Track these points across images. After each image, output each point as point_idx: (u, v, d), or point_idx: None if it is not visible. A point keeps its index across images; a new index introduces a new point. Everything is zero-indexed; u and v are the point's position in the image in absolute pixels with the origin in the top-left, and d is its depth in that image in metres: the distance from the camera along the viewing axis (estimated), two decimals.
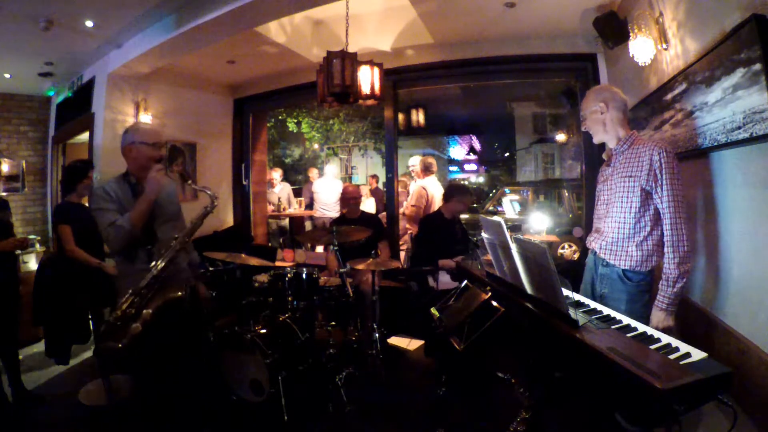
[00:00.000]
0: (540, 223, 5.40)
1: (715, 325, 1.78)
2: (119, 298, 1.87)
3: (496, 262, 1.86)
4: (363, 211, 3.80)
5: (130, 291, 1.81)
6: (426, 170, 4.65)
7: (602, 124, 1.86)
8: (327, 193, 6.17)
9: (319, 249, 5.64)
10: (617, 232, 1.79)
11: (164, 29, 3.46)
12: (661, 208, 1.68)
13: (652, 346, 1.19)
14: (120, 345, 1.73)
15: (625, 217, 1.77)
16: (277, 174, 6.84)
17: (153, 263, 1.87)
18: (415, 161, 4.99)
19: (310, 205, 6.95)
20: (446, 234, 3.48)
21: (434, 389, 2.51)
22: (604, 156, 1.99)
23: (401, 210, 4.76)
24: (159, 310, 1.84)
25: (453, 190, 3.57)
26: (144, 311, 1.80)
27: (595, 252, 1.92)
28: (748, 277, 1.63)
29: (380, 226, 3.88)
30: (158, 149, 2.04)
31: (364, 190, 7.36)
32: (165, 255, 1.87)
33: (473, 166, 17.65)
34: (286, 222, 6.89)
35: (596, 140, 1.94)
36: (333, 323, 2.78)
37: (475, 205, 9.42)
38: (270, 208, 6.22)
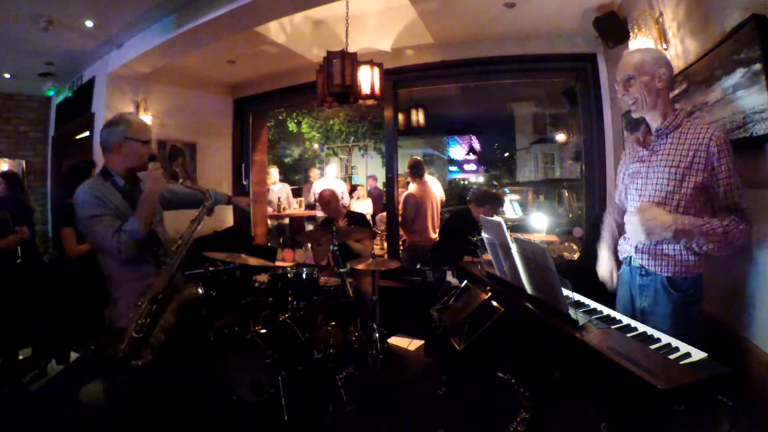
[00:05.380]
0: (540, 223, 5.40)
1: (716, 326, 1.78)
2: (117, 306, 1.77)
3: (496, 262, 1.86)
4: (348, 210, 3.77)
5: (148, 298, 1.69)
6: (415, 175, 4.37)
7: (656, 95, 1.51)
8: None
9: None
10: None
11: (164, 29, 3.46)
12: (723, 203, 1.44)
13: (652, 346, 1.19)
14: (141, 363, 1.64)
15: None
16: (275, 171, 6.70)
17: (164, 265, 1.77)
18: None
19: (310, 206, 6.94)
20: (471, 233, 3.52)
21: (434, 389, 2.51)
22: (639, 135, 1.68)
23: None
24: (179, 313, 1.75)
25: (489, 199, 3.62)
26: (163, 319, 1.71)
27: (629, 261, 1.63)
28: (747, 277, 1.63)
29: (366, 224, 3.87)
30: (149, 147, 1.87)
31: (362, 191, 7.36)
32: (176, 256, 1.77)
33: (473, 166, 17.61)
34: (286, 221, 6.86)
35: (638, 114, 1.58)
36: (333, 323, 2.77)
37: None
38: (269, 209, 6.21)
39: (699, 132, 1.45)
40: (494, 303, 1.80)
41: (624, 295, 1.68)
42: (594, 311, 1.55)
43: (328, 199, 3.58)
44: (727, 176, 1.42)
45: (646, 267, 1.55)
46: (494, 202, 3.60)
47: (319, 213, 6.24)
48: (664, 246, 1.50)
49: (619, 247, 1.74)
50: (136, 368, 1.65)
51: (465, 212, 3.70)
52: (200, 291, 1.83)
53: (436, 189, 4.56)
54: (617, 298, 1.74)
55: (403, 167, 4.94)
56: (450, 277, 3.57)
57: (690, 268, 1.48)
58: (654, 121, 1.57)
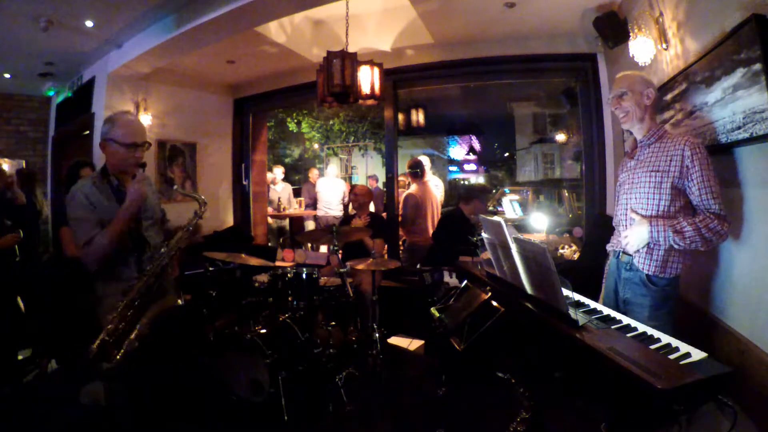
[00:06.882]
0: (540, 223, 5.40)
1: (715, 325, 1.78)
2: (102, 304, 1.73)
3: (496, 262, 1.86)
4: (371, 211, 3.81)
5: (123, 303, 1.65)
6: (415, 175, 4.32)
7: (644, 110, 1.73)
8: (330, 192, 6.25)
9: (323, 249, 5.60)
10: None
11: (164, 29, 3.46)
12: (698, 200, 1.57)
13: (652, 346, 1.19)
14: (111, 365, 1.60)
15: (650, 216, 1.65)
16: (279, 171, 6.73)
17: (145, 271, 1.72)
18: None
19: (311, 205, 6.95)
20: (465, 232, 3.50)
21: (434, 389, 2.51)
22: (627, 147, 1.88)
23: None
24: (155, 321, 1.68)
25: (475, 193, 3.60)
26: (138, 325, 1.65)
27: (618, 255, 1.81)
28: (747, 277, 1.63)
29: (382, 226, 3.88)
30: (135, 151, 1.76)
31: None
32: (156, 262, 1.73)
33: (473, 166, 17.62)
34: (285, 222, 6.87)
35: (627, 126, 1.80)
36: (333, 323, 2.77)
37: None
38: (270, 209, 6.22)
39: (677, 141, 1.63)
40: (494, 303, 1.80)
41: (610, 286, 1.86)
42: (594, 311, 1.55)
43: (364, 199, 3.69)
44: (700, 177, 1.56)
45: (631, 263, 1.73)
46: (481, 196, 3.58)
47: (320, 213, 6.27)
48: (647, 247, 1.67)
49: (609, 242, 1.93)
50: (105, 371, 1.61)
51: (455, 212, 3.69)
52: (180, 302, 1.78)
53: (436, 189, 4.55)
54: (605, 289, 1.91)
55: (403, 167, 4.94)
56: (448, 278, 3.57)
57: (667, 269, 1.65)
58: (640, 133, 1.77)
